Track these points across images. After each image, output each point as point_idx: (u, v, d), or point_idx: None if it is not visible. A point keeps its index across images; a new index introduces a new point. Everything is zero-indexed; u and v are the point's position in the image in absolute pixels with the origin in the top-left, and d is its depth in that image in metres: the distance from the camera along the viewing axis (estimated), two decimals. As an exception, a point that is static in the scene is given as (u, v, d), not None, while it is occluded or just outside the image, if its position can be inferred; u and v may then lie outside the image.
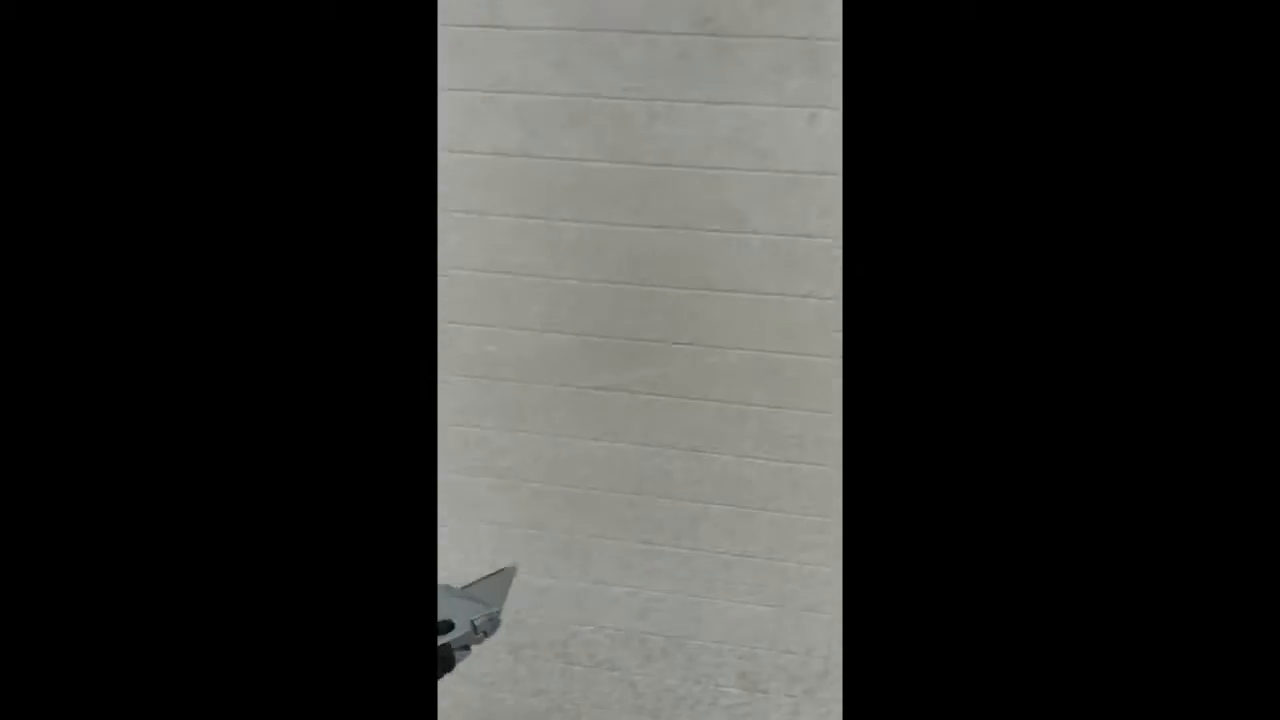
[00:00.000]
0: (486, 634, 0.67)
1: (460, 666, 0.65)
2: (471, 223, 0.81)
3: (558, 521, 0.89)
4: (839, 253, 0.75)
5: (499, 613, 0.70)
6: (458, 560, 0.91)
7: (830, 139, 0.73)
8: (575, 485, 0.86)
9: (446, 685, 0.69)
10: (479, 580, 0.77)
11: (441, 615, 0.66)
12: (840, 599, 0.84)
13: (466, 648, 0.67)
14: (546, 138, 0.77)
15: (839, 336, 0.76)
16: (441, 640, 0.65)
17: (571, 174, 0.77)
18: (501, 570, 0.83)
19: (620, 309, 0.80)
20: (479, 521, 0.90)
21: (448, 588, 0.72)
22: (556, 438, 0.86)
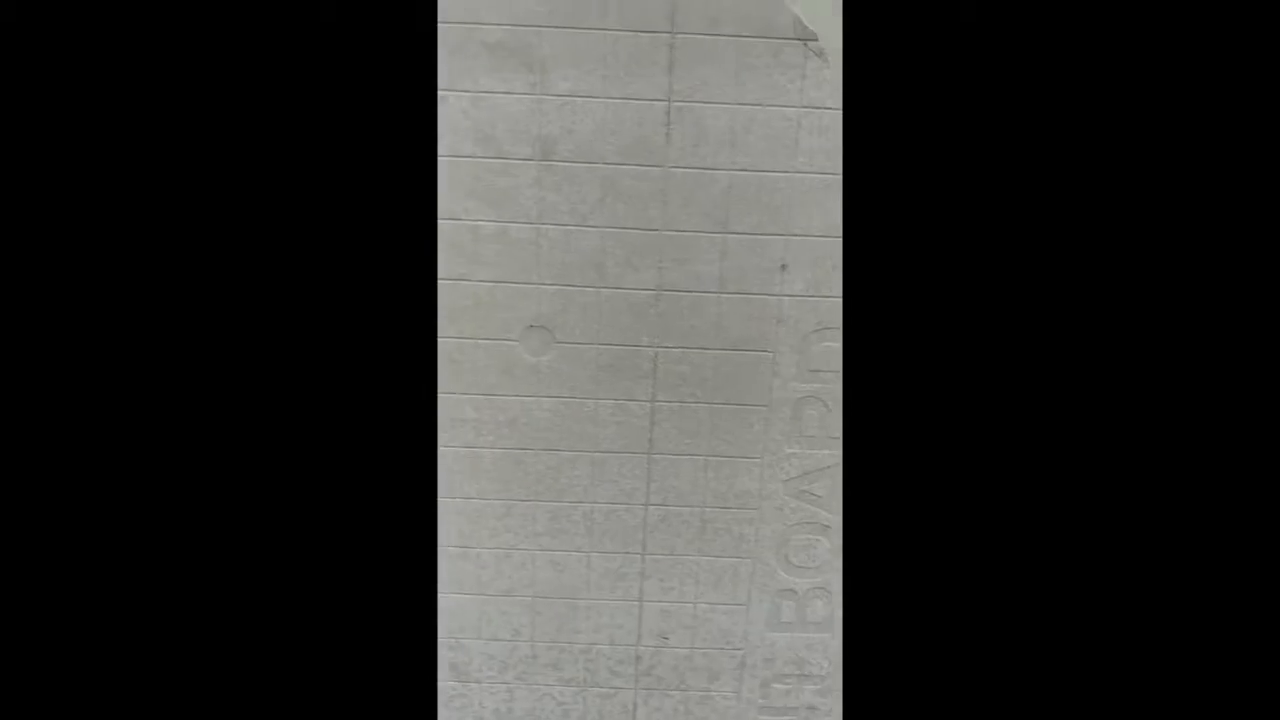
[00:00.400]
0: None
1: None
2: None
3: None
4: (490, 232, 0.75)
5: None
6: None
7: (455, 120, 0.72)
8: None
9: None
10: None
11: None
12: (535, 580, 0.84)
13: None
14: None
15: (503, 317, 0.77)
16: None
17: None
18: None
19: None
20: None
21: None
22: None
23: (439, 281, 0.75)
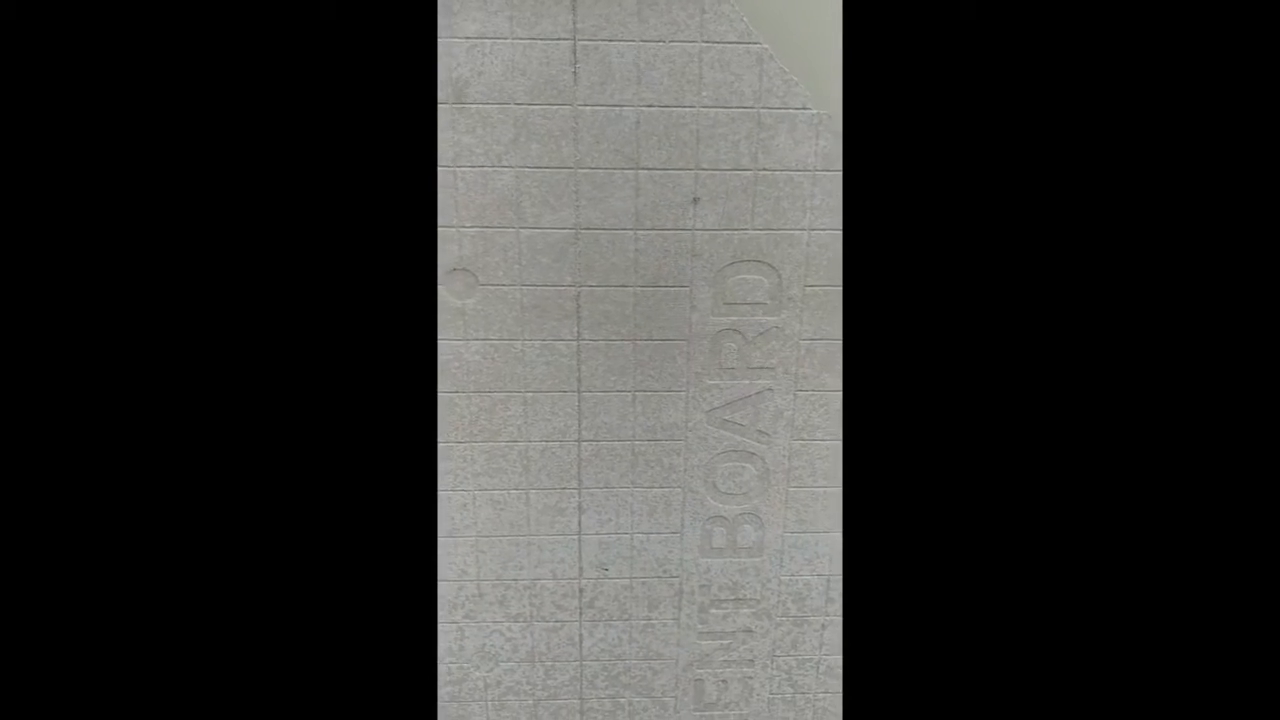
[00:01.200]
0: None
1: None
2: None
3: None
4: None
5: None
6: None
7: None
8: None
9: None
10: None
11: None
12: (477, 520, 0.87)
13: None
14: None
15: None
16: None
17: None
18: None
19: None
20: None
21: None
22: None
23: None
